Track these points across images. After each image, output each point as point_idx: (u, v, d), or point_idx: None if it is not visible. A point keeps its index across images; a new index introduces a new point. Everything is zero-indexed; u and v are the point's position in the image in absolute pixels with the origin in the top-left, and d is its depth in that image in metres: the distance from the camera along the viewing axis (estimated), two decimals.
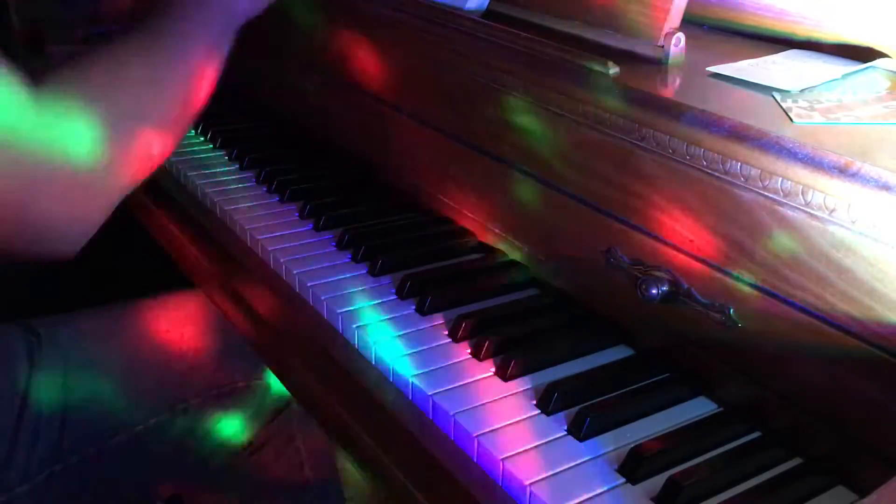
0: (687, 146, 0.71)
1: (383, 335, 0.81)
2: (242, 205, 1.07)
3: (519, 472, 0.64)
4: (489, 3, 1.03)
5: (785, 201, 0.65)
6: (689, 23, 0.90)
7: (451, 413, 0.70)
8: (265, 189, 1.12)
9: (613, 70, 0.80)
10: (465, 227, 0.98)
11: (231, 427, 1.12)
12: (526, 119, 0.87)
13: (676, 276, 0.74)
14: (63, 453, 0.98)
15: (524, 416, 0.71)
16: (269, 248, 0.97)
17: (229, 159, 1.21)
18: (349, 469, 1.24)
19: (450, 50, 0.97)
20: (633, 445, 0.66)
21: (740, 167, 0.67)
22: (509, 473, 0.65)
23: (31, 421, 0.96)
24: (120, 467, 1.04)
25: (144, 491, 1.11)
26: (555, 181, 0.85)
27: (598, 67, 0.81)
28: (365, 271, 0.92)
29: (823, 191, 0.62)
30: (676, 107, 0.73)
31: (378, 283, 0.90)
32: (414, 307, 0.86)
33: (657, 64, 0.86)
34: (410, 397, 0.75)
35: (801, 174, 0.63)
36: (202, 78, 0.88)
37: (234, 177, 1.16)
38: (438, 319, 0.84)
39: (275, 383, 1.12)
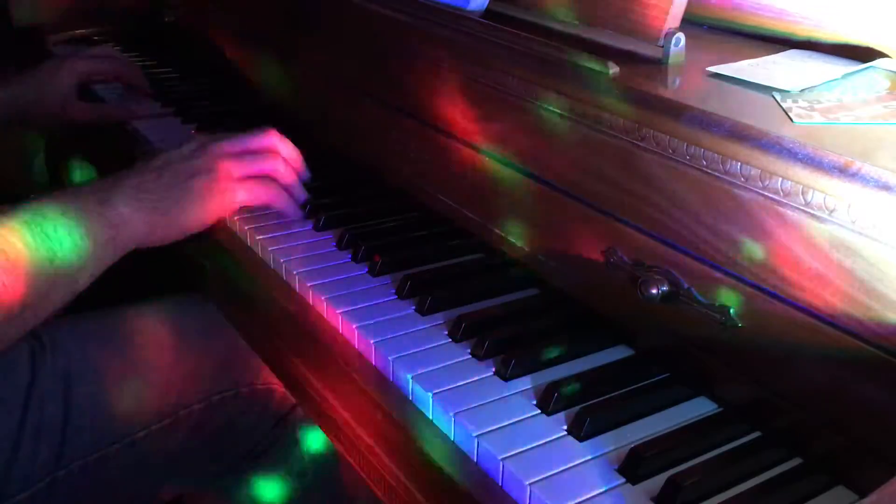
0: (687, 146, 0.71)
1: (383, 335, 0.81)
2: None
3: (519, 471, 0.64)
4: (489, 3, 1.03)
5: (785, 201, 0.65)
6: (689, 23, 0.90)
7: (451, 413, 0.70)
8: None
9: (613, 70, 0.80)
10: (465, 227, 0.98)
11: (234, 432, 1.12)
12: (526, 119, 0.87)
13: (676, 276, 0.74)
14: (65, 459, 0.98)
15: (524, 416, 0.71)
16: (270, 249, 0.97)
17: None
18: (350, 471, 1.24)
19: (450, 50, 0.97)
20: (633, 445, 0.66)
21: (740, 167, 0.67)
22: (509, 473, 0.65)
23: (33, 427, 0.96)
24: (122, 473, 1.03)
25: (146, 496, 1.11)
26: (555, 181, 0.85)
27: (598, 67, 0.81)
28: (365, 271, 0.92)
29: (823, 191, 0.62)
30: (676, 107, 0.73)
31: (378, 283, 0.90)
32: (414, 307, 0.86)
33: (657, 64, 0.86)
34: (410, 397, 0.75)
35: (801, 174, 0.63)
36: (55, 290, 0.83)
37: None
38: (438, 319, 0.84)
39: (278, 387, 1.12)
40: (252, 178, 0.98)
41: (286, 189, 1.01)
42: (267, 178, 0.99)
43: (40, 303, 0.82)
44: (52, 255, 0.82)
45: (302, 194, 1.03)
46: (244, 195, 0.97)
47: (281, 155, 1.02)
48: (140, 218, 0.89)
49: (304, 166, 1.05)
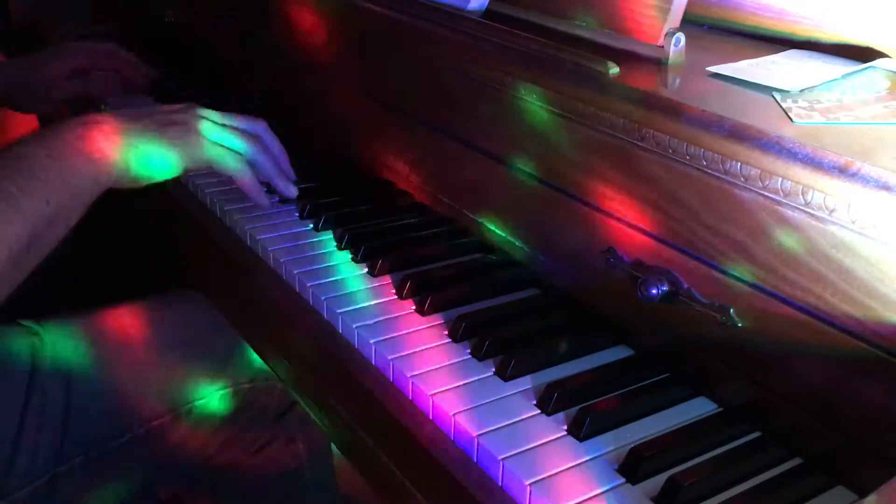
0: (687, 146, 0.71)
1: (383, 335, 0.81)
2: (242, 205, 1.06)
3: (519, 471, 0.64)
4: (489, 3, 1.03)
5: (785, 201, 0.65)
6: (689, 23, 0.90)
7: (451, 413, 0.70)
8: (265, 189, 1.12)
9: (613, 70, 0.80)
10: (464, 227, 0.98)
11: (233, 428, 1.12)
12: (526, 119, 0.87)
13: (676, 276, 0.74)
14: (65, 456, 0.98)
15: (524, 416, 0.71)
16: (270, 248, 0.97)
17: None
18: (349, 470, 1.24)
19: (450, 50, 0.97)
20: (633, 445, 0.66)
21: (740, 167, 0.67)
22: (509, 473, 0.65)
23: (34, 424, 0.96)
24: (122, 469, 1.03)
25: (146, 492, 1.11)
26: (555, 181, 0.85)
27: (598, 67, 0.81)
28: (365, 271, 0.92)
29: (823, 191, 0.62)
30: (676, 107, 0.73)
31: (378, 283, 0.90)
32: (414, 307, 0.86)
33: (657, 64, 0.86)
34: (410, 397, 0.75)
35: (801, 174, 0.63)
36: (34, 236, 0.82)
37: None
38: (438, 319, 0.84)
39: (277, 385, 1.12)
40: (225, 146, 0.99)
41: (265, 175, 1.03)
42: (239, 154, 1.00)
43: (41, 243, 0.84)
44: (46, 195, 0.83)
45: (286, 187, 1.04)
46: (212, 155, 0.97)
47: (263, 143, 1.03)
48: (117, 155, 0.90)
49: (287, 161, 1.06)
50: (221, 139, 0.99)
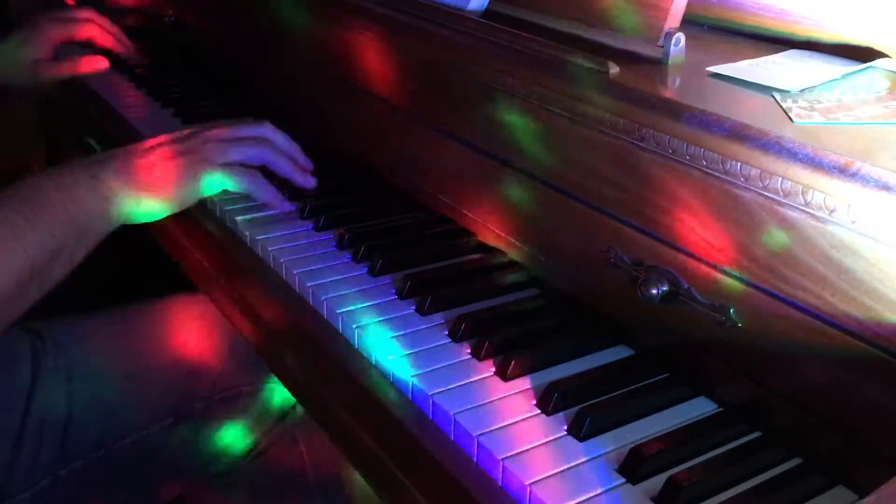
0: (687, 146, 0.71)
1: (383, 335, 0.81)
2: (243, 205, 1.06)
3: (519, 472, 0.64)
4: (489, 3, 1.03)
5: (785, 201, 0.65)
6: (689, 23, 0.90)
7: (451, 413, 0.70)
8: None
9: (613, 70, 0.80)
10: (464, 227, 0.98)
11: (235, 431, 1.12)
12: (525, 119, 0.87)
13: (676, 276, 0.74)
14: (67, 459, 0.98)
15: (524, 416, 0.71)
16: (270, 249, 0.97)
17: None
18: (352, 471, 1.24)
19: (450, 50, 0.97)
20: (633, 445, 0.66)
21: (740, 167, 0.67)
22: (509, 473, 0.65)
23: (35, 426, 0.96)
24: (123, 472, 1.04)
25: (147, 495, 1.11)
26: (555, 181, 0.85)
27: (597, 67, 0.81)
28: (365, 271, 0.92)
29: (823, 191, 0.62)
30: (676, 107, 0.73)
31: (378, 283, 0.90)
32: (414, 307, 0.86)
33: (657, 64, 0.86)
34: (410, 397, 0.75)
35: (801, 174, 0.63)
36: (36, 275, 0.84)
37: None
38: (438, 319, 0.84)
39: (279, 387, 1.12)
40: (236, 164, 0.99)
41: (284, 174, 1.03)
42: (251, 168, 1.00)
43: (44, 276, 0.85)
44: (53, 229, 0.84)
45: (305, 180, 1.05)
46: (225, 180, 0.98)
47: (274, 144, 1.03)
48: (128, 193, 0.91)
49: (301, 155, 1.06)
50: (231, 156, 0.99)
